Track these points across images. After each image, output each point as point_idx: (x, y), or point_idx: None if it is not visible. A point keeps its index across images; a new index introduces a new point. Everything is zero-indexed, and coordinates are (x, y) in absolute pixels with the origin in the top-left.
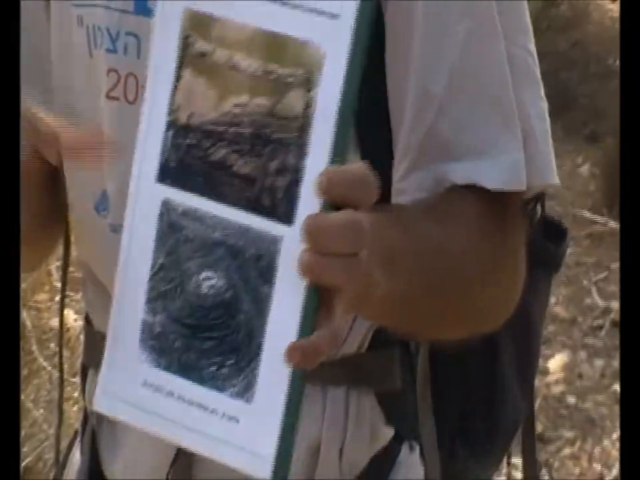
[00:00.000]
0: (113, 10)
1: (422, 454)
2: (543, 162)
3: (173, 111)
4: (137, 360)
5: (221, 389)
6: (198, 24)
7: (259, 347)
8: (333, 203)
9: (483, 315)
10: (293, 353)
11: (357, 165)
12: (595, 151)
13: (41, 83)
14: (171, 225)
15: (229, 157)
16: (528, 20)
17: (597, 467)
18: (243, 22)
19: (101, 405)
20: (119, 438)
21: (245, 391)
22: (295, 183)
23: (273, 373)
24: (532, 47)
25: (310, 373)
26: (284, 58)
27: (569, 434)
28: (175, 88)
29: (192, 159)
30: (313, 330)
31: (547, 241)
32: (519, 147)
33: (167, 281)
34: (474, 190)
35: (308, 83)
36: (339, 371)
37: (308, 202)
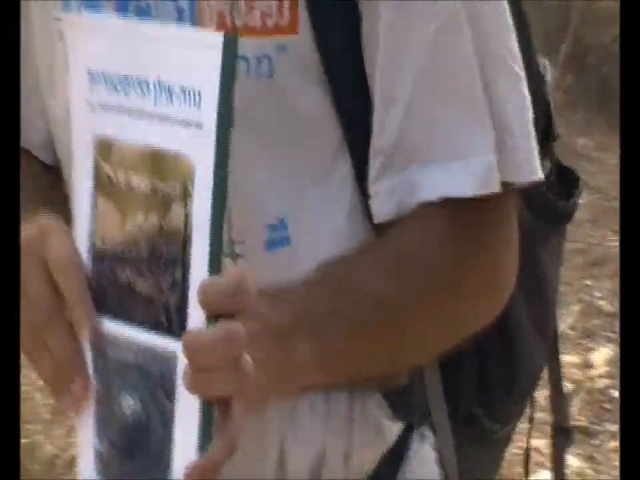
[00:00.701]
0: None
1: (435, 436)
2: (523, 158)
3: (91, 237)
4: None
5: None
6: (104, 149)
7: (168, 464)
8: (213, 315)
9: (468, 322)
10: (192, 474)
11: (231, 273)
12: None
13: (41, 108)
14: (98, 350)
15: (132, 277)
16: (506, 12)
17: None
18: (132, 141)
19: None
20: None
21: None
22: (184, 297)
23: None
24: (509, 41)
25: None
26: (164, 173)
27: (612, 427)
28: (93, 215)
29: (106, 282)
30: (211, 441)
31: (557, 195)
32: (491, 148)
33: (103, 406)
34: (447, 200)
35: (184, 196)
36: None
37: (195, 316)
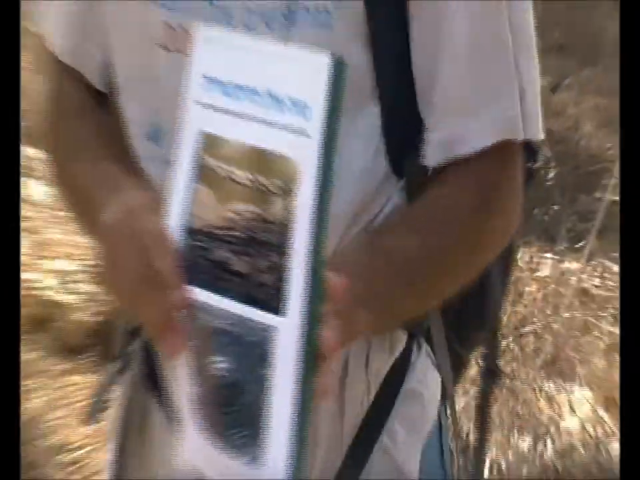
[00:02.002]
0: None
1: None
2: (532, 119)
3: (186, 217)
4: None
5: (240, 457)
6: (209, 143)
7: (261, 426)
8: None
9: (483, 259)
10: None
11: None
12: None
13: (100, 38)
14: (189, 315)
15: (227, 256)
16: (530, 8)
17: None
18: (238, 140)
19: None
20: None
21: (257, 459)
22: (281, 279)
23: (277, 446)
24: (529, 27)
25: None
26: (268, 170)
27: None
28: (190, 197)
29: (198, 257)
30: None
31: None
32: (518, 103)
33: (195, 365)
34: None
35: (287, 193)
36: None
37: (294, 297)
